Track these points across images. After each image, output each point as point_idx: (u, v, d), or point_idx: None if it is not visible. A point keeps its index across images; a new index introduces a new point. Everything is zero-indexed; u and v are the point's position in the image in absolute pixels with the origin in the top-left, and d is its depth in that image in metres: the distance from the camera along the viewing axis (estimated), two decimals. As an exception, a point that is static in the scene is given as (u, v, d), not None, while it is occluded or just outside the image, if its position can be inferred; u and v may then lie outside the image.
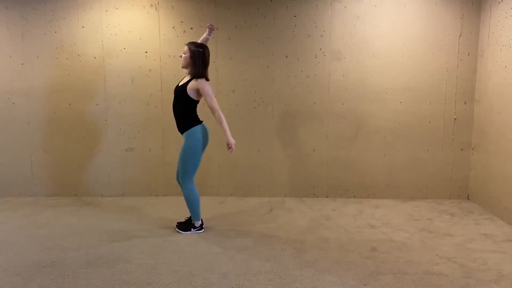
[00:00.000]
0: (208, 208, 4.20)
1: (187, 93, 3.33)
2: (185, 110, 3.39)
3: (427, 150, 4.54)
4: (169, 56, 4.49)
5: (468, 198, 4.58)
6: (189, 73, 3.39)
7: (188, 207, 3.52)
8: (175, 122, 3.47)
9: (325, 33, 4.44)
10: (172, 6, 4.44)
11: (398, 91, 4.47)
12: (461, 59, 4.40)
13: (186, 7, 4.44)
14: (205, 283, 2.68)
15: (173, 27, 4.47)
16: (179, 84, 3.44)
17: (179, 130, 3.45)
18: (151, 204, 4.42)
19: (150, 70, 4.52)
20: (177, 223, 3.64)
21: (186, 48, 3.37)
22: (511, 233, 3.57)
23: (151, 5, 4.45)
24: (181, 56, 3.39)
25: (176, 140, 4.56)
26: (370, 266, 2.92)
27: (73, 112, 4.61)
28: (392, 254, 3.13)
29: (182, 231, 3.55)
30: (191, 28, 4.46)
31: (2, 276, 2.77)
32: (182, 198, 4.57)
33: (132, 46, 4.50)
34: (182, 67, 3.42)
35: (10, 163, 4.69)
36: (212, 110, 3.34)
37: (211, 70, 4.49)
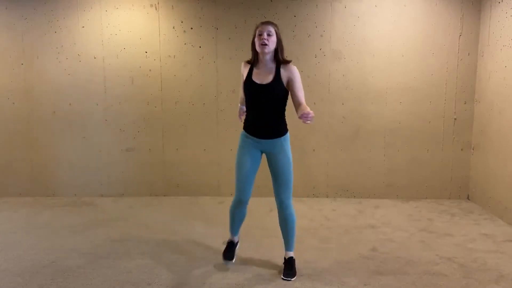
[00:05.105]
0: (208, 208, 4.20)
1: (285, 88, 2.66)
2: (281, 109, 2.77)
3: (427, 150, 4.54)
4: (169, 56, 4.49)
5: (468, 198, 4.58)
6: (274, 59, 2.66)
7: (290, 233, 2.85)
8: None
9: (325, 33, 4.44)
10: (172, 6, 4.44)
11: (398, 91, 4.47)
12: (461, 59, 4.40)
13: (186, 7, 4.44)
14: (205, 283, 2.68)
15: (173, 27, 4.47)
16: (261, 82, 2.64)
17: (266, 137, 2.82)
18: (151, 204, 4.42)
19: (150, 70, 4.52)
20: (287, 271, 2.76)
21: (268, 29, 2.57)
22: (511, 233, 3.57)
23: (151, 5, 4.45)
24: (265, 43, 2.56)
25: (176, 140, 4.56)
26: (370, 266, 2.92)
27: (73, 112, 4.61)
28: (392, 254, 3.13)
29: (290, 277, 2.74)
30: (191, 28, 4.46)
31: (2, 276, 2.77)
32: (182, 198, 4.58)
33: (132, 46, 4.50)
34: (266, 53, 2.61)
35: (10, 163, 4.69)
36: (303, 100, 2.65)
37: (211, 70, 4.51)
